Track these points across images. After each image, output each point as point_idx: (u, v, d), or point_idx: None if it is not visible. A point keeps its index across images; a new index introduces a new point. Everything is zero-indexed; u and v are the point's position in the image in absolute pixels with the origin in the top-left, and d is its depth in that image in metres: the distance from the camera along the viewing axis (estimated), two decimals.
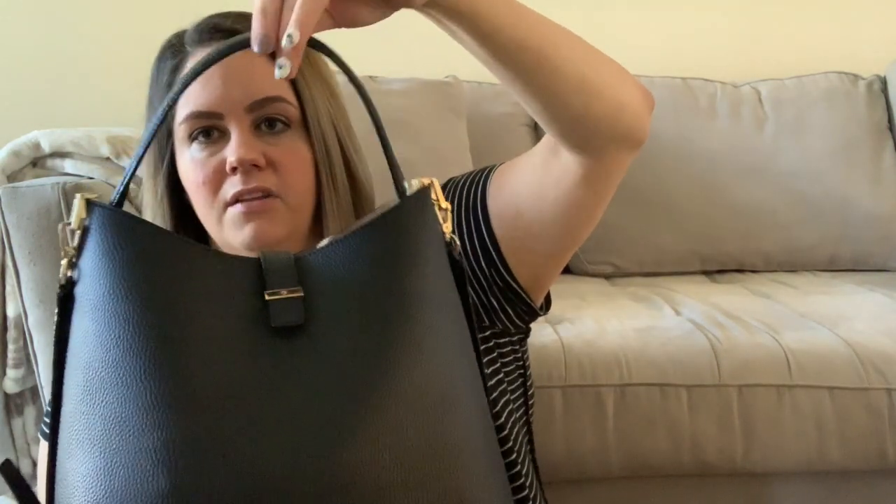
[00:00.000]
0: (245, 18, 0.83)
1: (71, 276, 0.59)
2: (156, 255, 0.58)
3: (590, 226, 0.81)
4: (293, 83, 0.81)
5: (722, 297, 1.49)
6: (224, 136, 0.80)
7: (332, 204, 0.83)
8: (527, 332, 0.90)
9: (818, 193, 1.79)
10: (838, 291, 1.56)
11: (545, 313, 0.88)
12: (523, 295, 0.82)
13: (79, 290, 0.58)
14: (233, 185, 0.79)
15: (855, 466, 1.21)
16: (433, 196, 0.65)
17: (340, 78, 0.85)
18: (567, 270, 1.82)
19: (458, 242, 0.66)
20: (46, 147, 1.22)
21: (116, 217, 0.58)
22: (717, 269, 1.82)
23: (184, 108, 0.81)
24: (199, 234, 0.85)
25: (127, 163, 1.23)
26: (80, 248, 0.59)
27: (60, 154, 1.23)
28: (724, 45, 2.07)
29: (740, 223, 1.78)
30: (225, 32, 0.82)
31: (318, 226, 0.85)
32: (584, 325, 1.28)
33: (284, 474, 0.53)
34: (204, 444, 0.53)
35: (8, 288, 1.20)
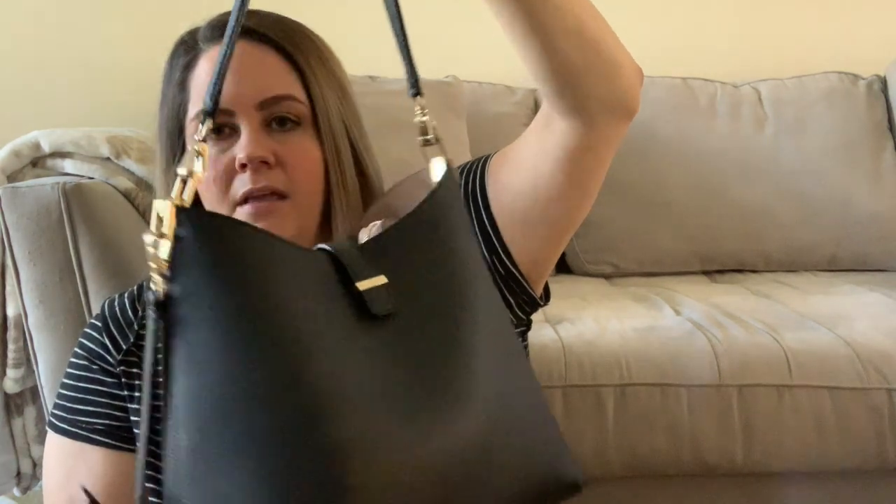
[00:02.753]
0: (257, 15, 0.83)
1: (170, 293, 0.54)
2: (256, 258, 0.57)
3: (585, 206, 0.81)
4: (304, 82, 0.82)
5: (722, 297, 1.49)
6: (235, 133, 0.81)
7: (342, 203, 0.83)
8: (528, 324, 0.89)
9: (818, 193, 1.79)
10: (838, 291, 1.56)
11: (545, 304, 0.88)
12: (524, 283, 0.82)
13: (184, 309, 0.54)
14: (242, 184, 0.79)
15: (855, 466, 1.21)
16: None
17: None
18: (567, 270, 1.82)
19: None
20: (46, 147, 1.22)
21: (214, 223, 0.56)
22: (717, 269, 1.82)
23: (196, 104, 0.81)
24: None
25: (127, 163, 1.24)
26: (174, 261, 0.54)
27: (60, 154, 1.23)
28: (724, 45, 2.07)
29: (740, 223, 1.78)
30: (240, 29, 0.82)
31: (327, 224, 0.85)
32: (584, 325, 1.28)
33: (443, 447, 0.56)
34: (369, 439, 0.54)
35: (8, 288, 1.20)
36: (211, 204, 0.82)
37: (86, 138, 1.23)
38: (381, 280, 0.61)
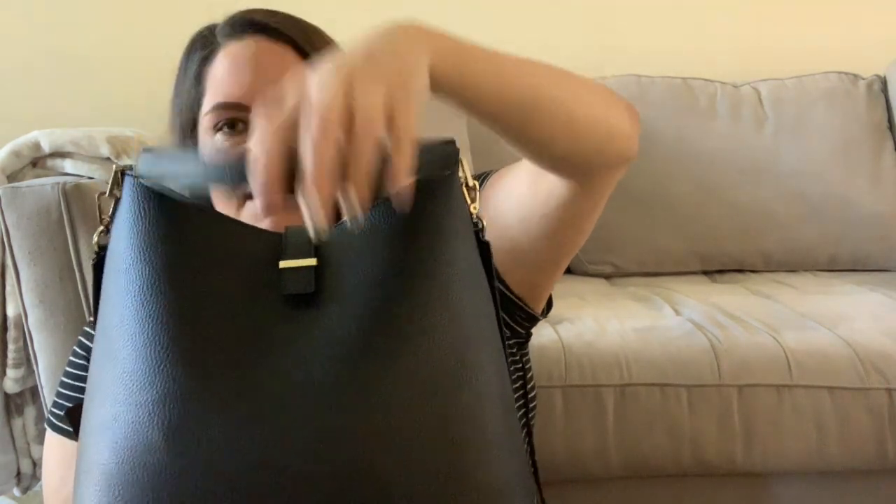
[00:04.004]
0: (276, 15, 0.84)
1: (105, 244, 0.62)
2: (178, 223, 0.60)
3: (581, 239, 0.81)
4: None
5: (722, 297, 1.49)
6: (248, 128, 0.81)
7: None
8: (526, 336, 0.89)
9: (818, 193, 1.79)
10: (838, 291, 1.56)
11: (545, 316, 0.87)
12: (520, 303, 0.82)
13: (108, 256, 0.62)
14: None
15: (855, 466, 1.21)
16: (461, 174, 0.64)
17: None
18: (567, 270, 1.82)
19: (484, 222, 0.65)
20: (46, 147, 1.22)
21: (145, 186, 0.60)
22: (717, 269, 1.82)
23: (211, 98, 0.81)
24: None
25: (127, 163, 1.24)
26: (112, 216, 0.62)
27: (60, 154, 1.23)
28: (724, 45, 2.07)
29: (740, 223, 1.78)
30: (257, 27, 0.83)
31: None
32: (584, 325, 1.28)
33: (274, 440, 0.53)
34: (197, 401, 0.54)
35: (8, 288, 1.20)
36: (219, 197, 0.82)
37: (86, 138, 1.23)
38: (308, 262, 0.60)
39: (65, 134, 1.23)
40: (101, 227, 0.63)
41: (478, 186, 0.66)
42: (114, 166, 0.63)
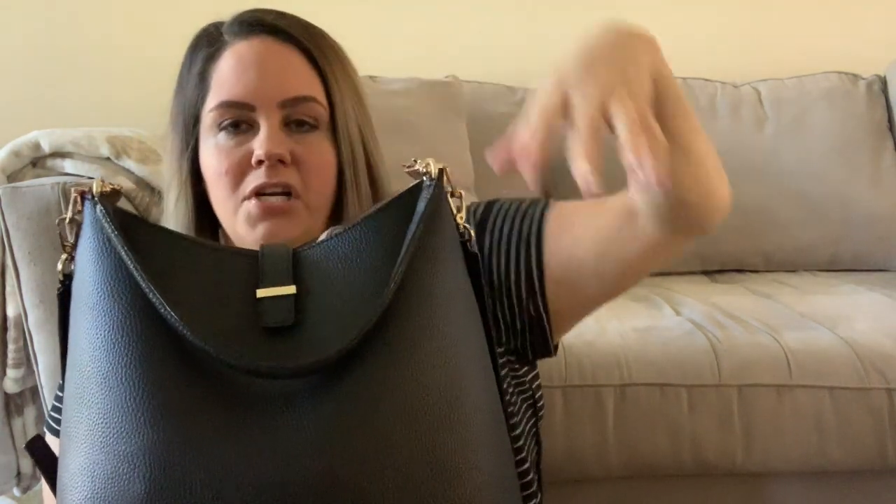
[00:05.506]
0: (284, 17, 0.84)
1: (69, 272, 0.59)
2: (146, 252, 0.57)
3: (631, 285, 0.82)
4: (326, 86, 0.82)
5: (722, 297, 1.49)
6: (252, 129, 0.81)
7: (356, 208, 0.84)
8: (531, 364, 0.89)
9: (818, 193, 1.79)
10: (838, 291, 1.56)
11: (553, 355, 0.87)
12: (547, 330, 0.82)
13: (75, 285, 0.58)
14: (256, 178, 0.79)
15: (855, 466, 1.21)
16: (446, 184, 0.63)
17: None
18: None
19: (472, 233, 0.64)
20: (46, 147, 1.22)
21: (106, 214, 0.58)
22: (717, 269, 1.82)
23: (216, 97, 0.81)
24: (213, 224, 0.85)
25: (127, 163, 1.23)
26: (75, 243, 0.59)
27: (60, 154, 1.23)
28: (724, 45, 2.07)
29: (740, 223, 1.78)
30: (266, 27, 0.83)
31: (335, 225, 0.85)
32: (584, 325, 1.27)
33: (263, 486, 0.51)
34: (180, 450, 0.52)
35: (8, 288, 1.20)
36: (218, 197, 0.82)
37: (86, 138, 1.23)
38: (287, 289, 0.57)
39: (65, 134, 1.23)
40: (65, 256, 0.60)
41: (463, 195, 0.64)
42: (73, 188, 0.60)
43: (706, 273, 1.82)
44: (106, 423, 0.53)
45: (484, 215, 0.82)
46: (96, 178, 0.60)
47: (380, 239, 0.59)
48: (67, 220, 0.59)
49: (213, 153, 0.81)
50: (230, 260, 0.59)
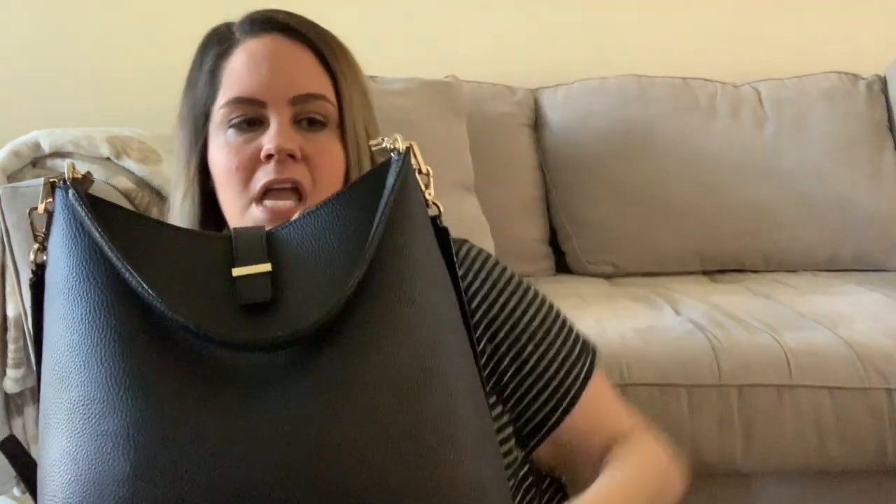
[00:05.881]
0: (295, 16, 0.85)
1: (42, 262, 0.59)
2: (120, 235, 0.56)
3: None
4: (335, 85, 0.83)
5: (722, 297, 1.49)
6: (262, 126, 0.81)
7: None
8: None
9: (818, 193, 1.79)
10: (838, 291, 1.56)
11: None
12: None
13: (47, 274, 0.58)
14: (265, 174, 0.79)
15: (855, 466, 1.21)
16: (413, 161, 0.63)
17: None
18: (567, 270, 1.82)
19: (441, 208, 0.64)
20: (46, 147, 1.22)
21: (79, 198, 0.57)
22: (717, 269, 1.82)
23: (227, 93, 0.81)
24: (219, 224, 0.85)
25: (127, 163, 1.24)
26: (47, 232, 0.59)
27: (60, 154, 1.23)
28: (724, 45, 2.07)
29: (740, 223, 1.78)
30: (278, 26, 0.83)
31: None
32: (584, 325, 1.28)
33: (250, 464, 0.51)
34: (163, 426, 0.51)
35: (8, 288, 1.20)
36: (226, 194, 0.82)
37: (86, 138, 1.23)
38: (263, 267, 0.57)
39: (65, 134, 1.23)
40: (37, 245, 0.59)
41: (430, 172, 0.64)
42: (42, 178, 0.60)
43: (706, 273, 1.82)
44: (87, 405, 0.53)
45: (500, 284, 0.84)
46: (66, 164, 0.60)
47: (351, 213, 0.59)
48: (41, 210, 0.59)
49: (223, 149, 0.81)
50: (205, 242, 0.60)
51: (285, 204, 0.79)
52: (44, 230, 0.59)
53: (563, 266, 1.82)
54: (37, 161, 1.23)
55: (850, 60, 1.97)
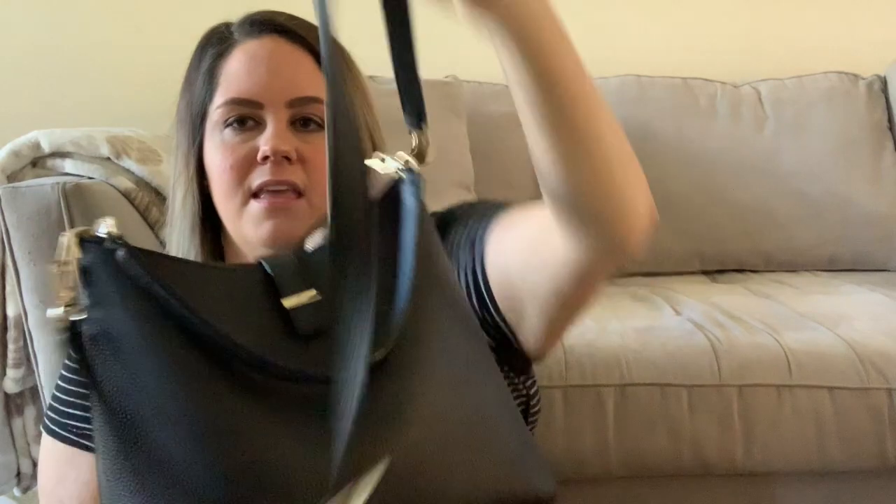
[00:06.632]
0: (294, 19, 0.84)
1: (78, 319, 0.56)
2: (174, 284, 0.55)
3: (575, 314, 0.75)
4: None
5: (722, 297, 1.48)
6: (258, 126, 0.81)
7: None
8: (527, 371, 0.85)
9: (818, 193, 1.79)
10: (838, 291, 1.56)
11: (540, 362, 0.83)
12: (517, 349, 0.78)
13: (92, 329, 0.55)
14: (261, 175, 0.79)
15: (855, 466, 1.21)
16: (413, 169, 0.64)
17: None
18: None
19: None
20: (46, 147, 1.22)
21: (134, 256, 0.56)
22: (717, 269, 1.82)
23: (224, 93, 0.81)
24: (215, 225, 0.85)
25: (127, 163, 1.23)
26: (90, 291, 0.56)
27: (60, 154, 1.22)
28: (724, 45, 2.07)
29: (740, 223, 1.78)
30: (277, 27, 0.83)
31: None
32: (584, 325, 1.28)
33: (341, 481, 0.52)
34: (258, 468, 0.52)
35: (8, 288, 1.20)
36: (222, 194, 0.82)
37: (86, 138, 1.23)
38: (310, 294, 0.58)
39: (65, 134, 1.23)
40: (67, 300, 0.55)
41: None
42: (67, 233, 0.56)
43: (706, 273, 1.82)
44: (172, 460, 0.52)
45: (448, 216, 0.81)
46: (104, 221, 0.58)
47: (376, 236, 0.60)
48: (72, 266, 0.56)
49: (219, 149, 0.81)
50: (242, 277, 0.60)
51: (286, 197, 0.79)
52: (72, 284, 0.56)
53: None
54: (37, 161, 1.23)
55: (850, 60, 1.97)
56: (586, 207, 0.62)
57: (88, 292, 0.55)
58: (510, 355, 0.80)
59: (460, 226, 0.79)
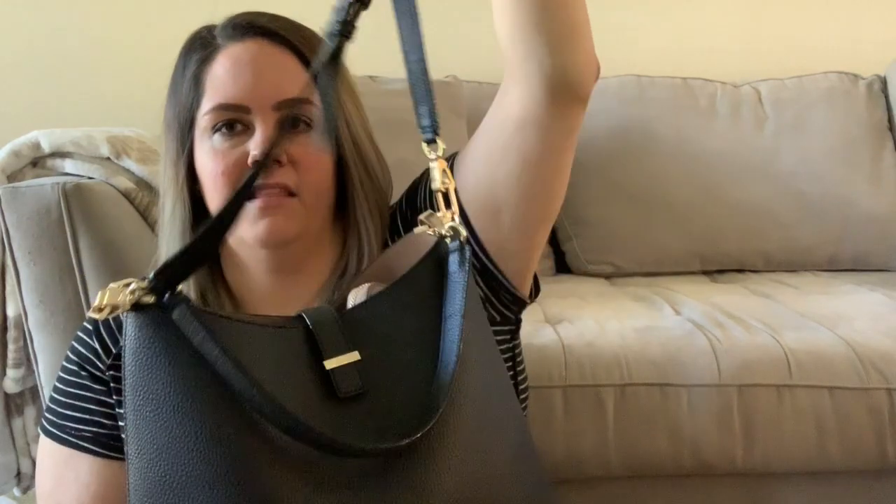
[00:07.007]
0: (277, 19, 0.84)
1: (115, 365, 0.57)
2: (215, 350, 0.55)
3: (548, 203, 0.80)
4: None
5: (722, 297, 1.48)
6: (247, 130, 0.81)
7: (363, 208, 0.85)
8: (517, 323, 0.89)
9: (818, 193, 1.79)
10: (838, 291, 1.56)
11: (533, 300, 0.87)
12: (502, 279, 0.81)
13: (136, 386, 0.55)
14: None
15: (855, 466, 1.21)
16: (460, 237, 0.66)
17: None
18: (567, 270, 1.82)
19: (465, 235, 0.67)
20: (46, 147, 1.22)
21: (192, 316, 0.55)
22: (717, 269, 1.82)
23: (211, 99, 0.81)
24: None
25: (127, 163, 1.23)
26: (121, 354, 0.57)
27: (60, 154, 1.22)
28: (724, 45, 2.07)
29: (740, 223, 1.78)
30: (260, 30, 0.83)
31: (336, 227, 0.86)
32: (584, 325, 1.28)
33: None
34: None
35: (8, 288, 1.20)
36: (215, 199, 0.82)
37: (86, 138, 1.23)
38: (352, 357, 0.59)
39: (65, 134, 1.23)
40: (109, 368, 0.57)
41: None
42: (106, 291, 0.56)
43: (706, 273, 1.82)
44: None
45: (416, 181, 0.85)
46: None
47: (418, 300, 0.62)
48: (103, 316, 0.56)
49: (210, 155, 0.81)
50: (282, 334, 0.60)
51: (280, 196, 0.79)
52: (107, 330, 0.57)
53: (562, 266, 1.82)
54: (37, 161, 1.23)
55: (850, 60, 1.97)
56: (543, 22, 0.68)
57: (121, 355, 0.56)
58: (500, 298, 0.82)
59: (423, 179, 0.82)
